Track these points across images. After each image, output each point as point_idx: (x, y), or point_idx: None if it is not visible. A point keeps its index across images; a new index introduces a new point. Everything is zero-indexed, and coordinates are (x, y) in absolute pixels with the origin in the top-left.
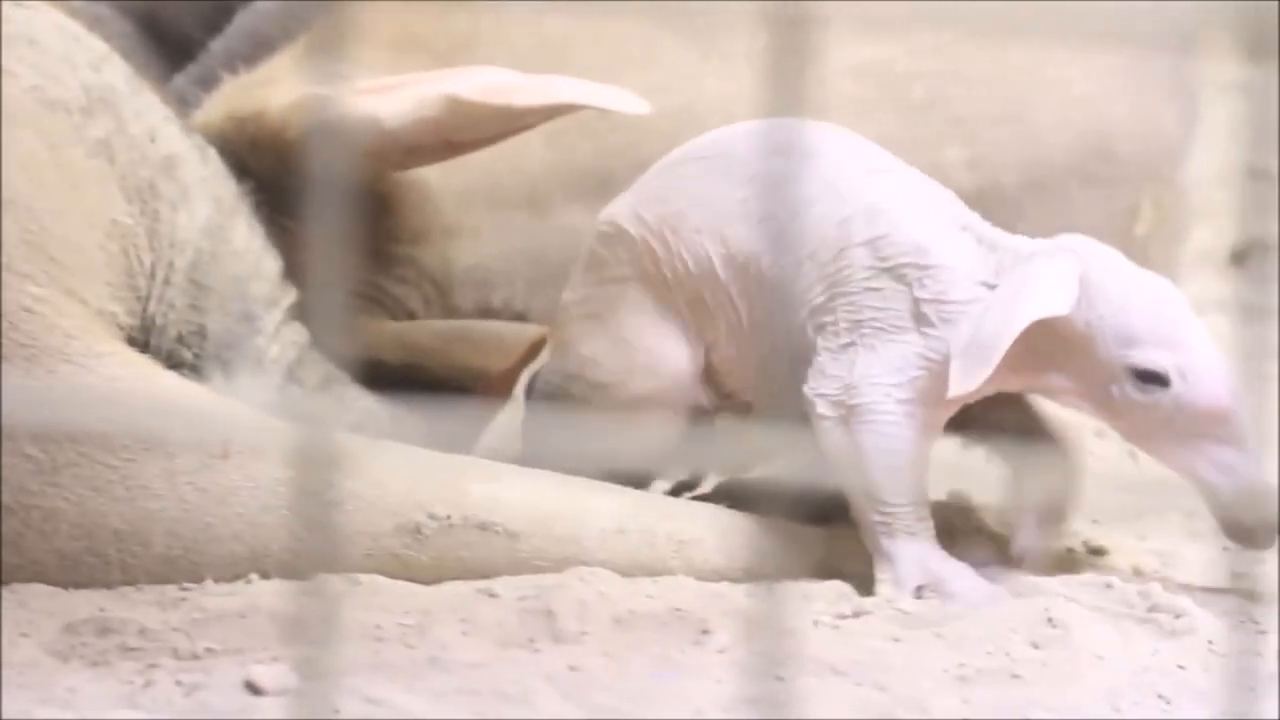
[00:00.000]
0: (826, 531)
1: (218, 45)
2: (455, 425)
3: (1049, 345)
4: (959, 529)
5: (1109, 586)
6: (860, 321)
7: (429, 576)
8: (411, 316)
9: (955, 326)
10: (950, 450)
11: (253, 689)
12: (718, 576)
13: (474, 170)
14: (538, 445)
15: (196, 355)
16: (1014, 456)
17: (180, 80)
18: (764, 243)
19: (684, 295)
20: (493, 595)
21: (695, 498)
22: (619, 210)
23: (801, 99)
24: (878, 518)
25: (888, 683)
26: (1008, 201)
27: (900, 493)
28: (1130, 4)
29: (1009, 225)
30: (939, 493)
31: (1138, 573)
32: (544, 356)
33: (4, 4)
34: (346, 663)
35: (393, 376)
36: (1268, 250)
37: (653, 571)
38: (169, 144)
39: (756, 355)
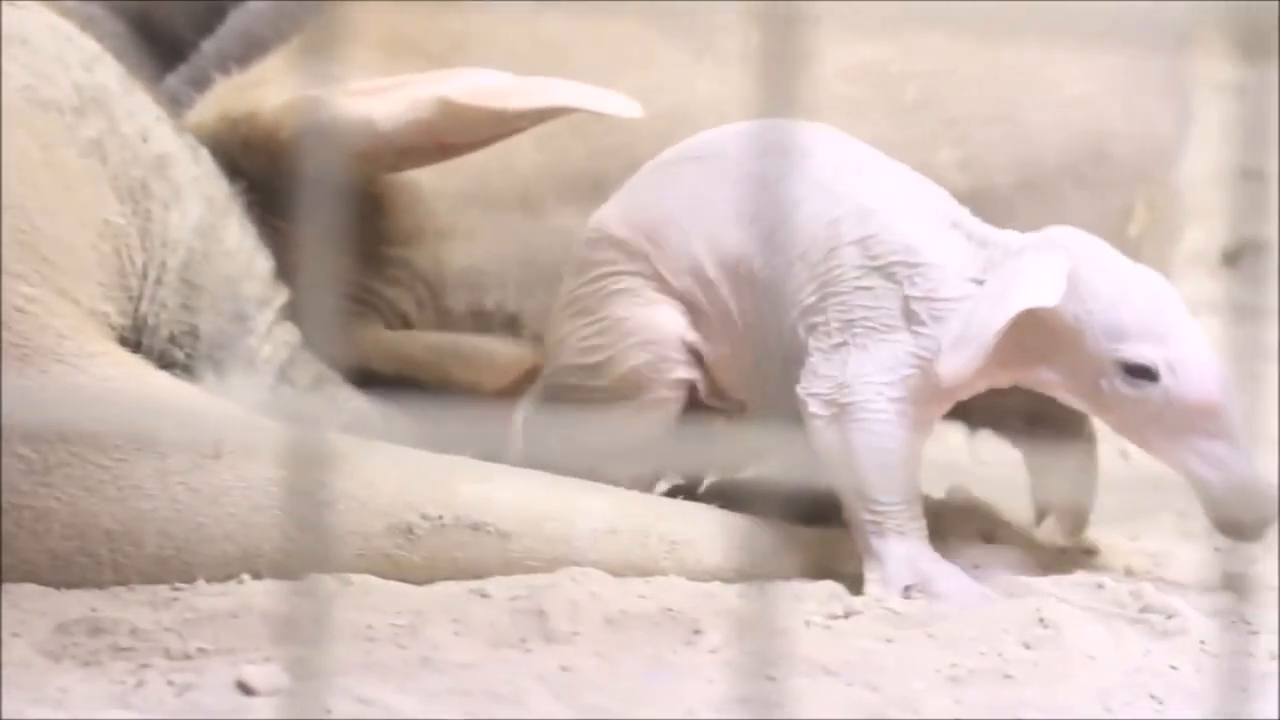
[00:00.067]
0: (819, 532)
1: (210, 45)
2: (447, 426)
3: (1038, 339)
4: (956, 527)
5: (1101, 587)
6: (852, 321)
7: (421, 577)
8: (404, 318)
9: (946, 324)
10: (956, 445)
11: (245, 689)
12: (710, 577)
13: (466, 172)
14: (537, 446)
15: (188, 355)
16: (1031, 450)
17: (172, 80)
18: (755, 243)
19: (675, 295)
20: (485, 595)
21: (688, 498)
22: (607, 215)
23: (794, 99)
24: (868, 517)
25: (879, 683)
26: (1001, 202)
27: (891, 492)
28: (1123, 4)
29: (1002, 226)
30: (940, 489)
31: (1130, 573)
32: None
33: None
34: (338, 663)
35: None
36: (1260, 251)
37: (645, 571)
38: (161, 144)
39: (749, 355)
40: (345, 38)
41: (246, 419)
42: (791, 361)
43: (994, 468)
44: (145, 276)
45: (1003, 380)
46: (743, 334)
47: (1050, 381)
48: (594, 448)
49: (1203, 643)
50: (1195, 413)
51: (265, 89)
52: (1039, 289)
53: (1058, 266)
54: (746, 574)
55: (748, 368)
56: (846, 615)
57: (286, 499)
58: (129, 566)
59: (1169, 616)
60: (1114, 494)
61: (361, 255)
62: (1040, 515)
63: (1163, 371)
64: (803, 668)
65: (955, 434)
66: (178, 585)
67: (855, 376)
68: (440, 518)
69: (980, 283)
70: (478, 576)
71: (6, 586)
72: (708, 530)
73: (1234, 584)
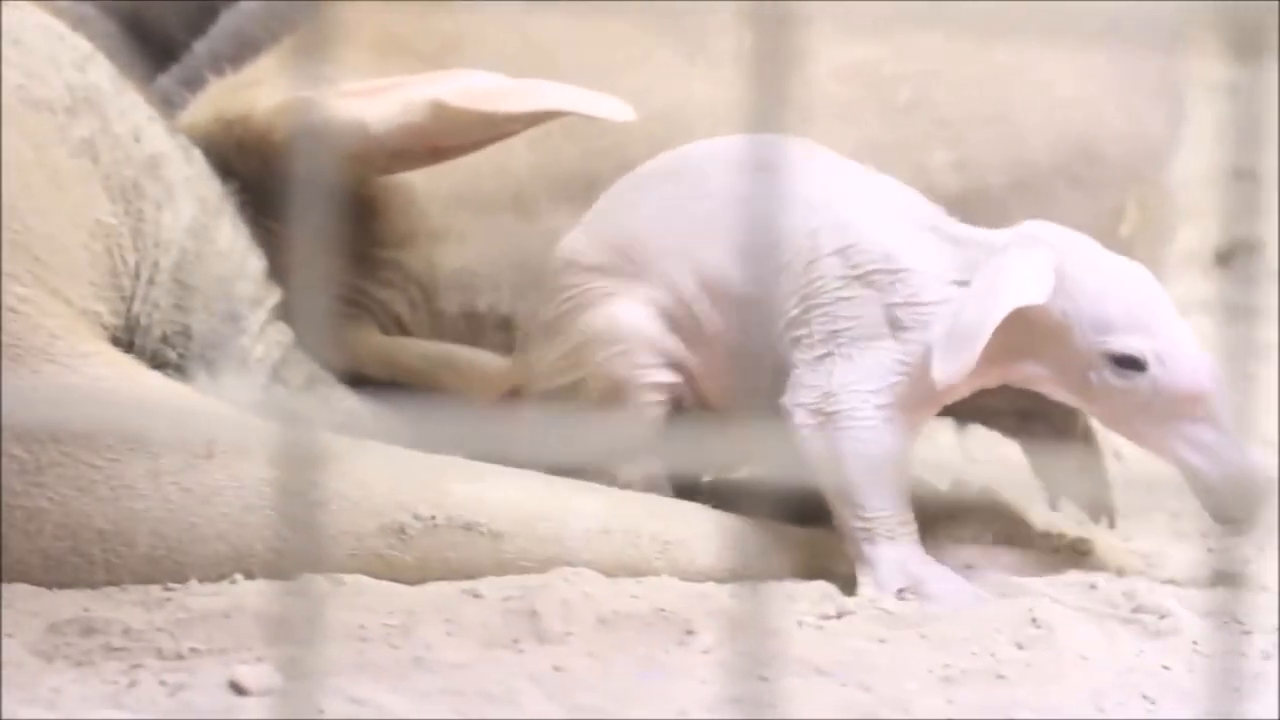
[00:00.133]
0: (811, 532)
1: (202, 46)
2: (439, 426)
3: (1026, 335)
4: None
5: (1093, 587)
6: (836, 331)
7: (413, 577)
8: (397, 320)
9: (930, 329)
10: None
11: (237, 689)
12: (702, 577)
13: (459, 174)
14: (522, 446)
15: (181, 355)
16: (1033, 447)
17: (165, 80)
18: (732, 259)
19: (651, 304)
20: (477, 595)
21: (683, 497)
22: (575, 242)
23: (787, 101)
24: (858, 523)
25: (872, 683)
26: (994, 203)
27: (880, 498)
28: (1116, 5)
29: (995, 227)
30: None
31: (1122, 573)
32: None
33: None
34: (331, 663)
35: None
36: (1253, 250)
37: (637, 572)
38: (153, 144)
39: (735, 370)
40: (337, 38)
41: (239, 419)
42: (778, 374)
43: (986, 465)
44: (138, 276)
45: (992, 380)
46: (727, 349)
47: (1038, 377)
48: (584, 453)
49: (1195, 643)
50: (1184, 401)
51: (258, 90)
52: (1029, 287)
53: (1044, 263)
54: (739, 574)
55: (734, 382)
56: (839, 615)
57: (279, 499)
58: (121, 566)
59: (1161, 616)
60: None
61: (354, 257)
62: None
63: (1150, 362)
64: (795, 668)
65: (945, 432)
66: (170, 585)
67: (841, 385)
68: (433, 518)
69: (962, 284)
70: (470, 577)
71: None
72: (700, 530)
73: (1227, 583)
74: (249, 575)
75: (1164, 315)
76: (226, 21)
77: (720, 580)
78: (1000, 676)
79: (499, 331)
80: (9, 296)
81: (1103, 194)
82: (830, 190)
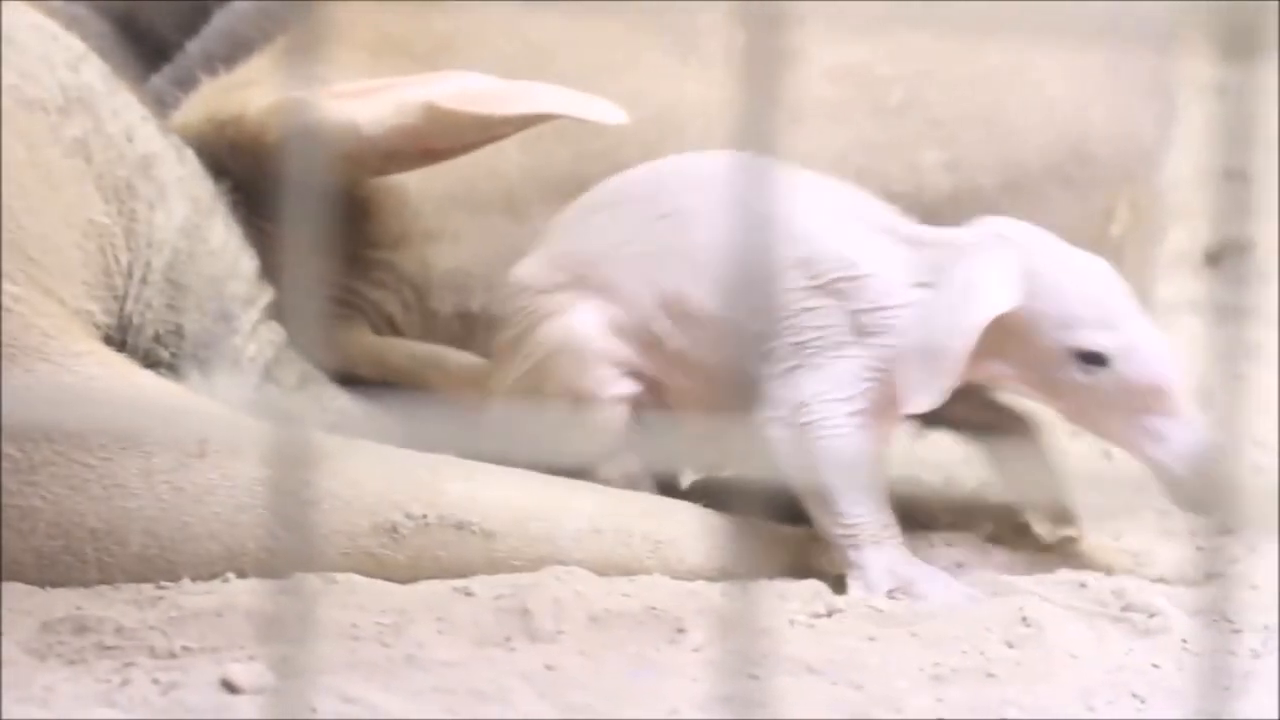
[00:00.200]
0: (802, 530)
1: (194, 46)
2: (431, 425)
3: (991, 335)
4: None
5: (1083, 585)
6: (802, 343)
7: (405, 575)
8: (390, 321)
9: (895, 333)
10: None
11: (229, 687)
12: (693, 575)
13: (452, 175)
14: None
15: (174, 354)
16: (991, 450)
17: (157, 80)
18: (690, 278)
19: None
20: (469, 594)
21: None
22: (527, 269)
23: (778, 101)
24: (841, 531)
25: (863, 681)
26: (985, 203)
27: (860, 504)
28: (1106, 5)
29: None
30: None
31: (1112, 571)
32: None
33: None
34: (323, 661)
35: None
36: (1243, 251)
37: (628, 570)
38: (146, 143)
39: (705, 386)
40: (330, 38)
41: (231, 418)
42: (748, 389)
43: (978, 464)
44: (130, 276)
45: (959, 381)
46: (696, 366)
47: (1003, 374)
48: (557, 454)
49: (1185, 641)
50: (1147, 395)
51: (251, 90)
52: (997, 296)
53: (1010, 266)
54: (730, 573)
55: (707, 397)
56: (830, 614)
57: (271, 498)
58: (114, 565)
59: (1151, 615)
60: (1096, 493)
61: (347, 258)
62: (1026, 511)
63: (1114, 357)
64: (786, 666)
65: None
66: (163, 584)
67: (812, 396)
68: (425, 517)
69: (923, 286)
70: (462, 575)
71: None
72: (691, 529)
73: (1216, 582)
74: (241, 574)
75: (1126, 310)
76: (219, 21)
77: (711, 579)
78: (990, 675)
79: (492, 332)
80: (2, 296)
81: (1094, 194)
82: (785, 202)
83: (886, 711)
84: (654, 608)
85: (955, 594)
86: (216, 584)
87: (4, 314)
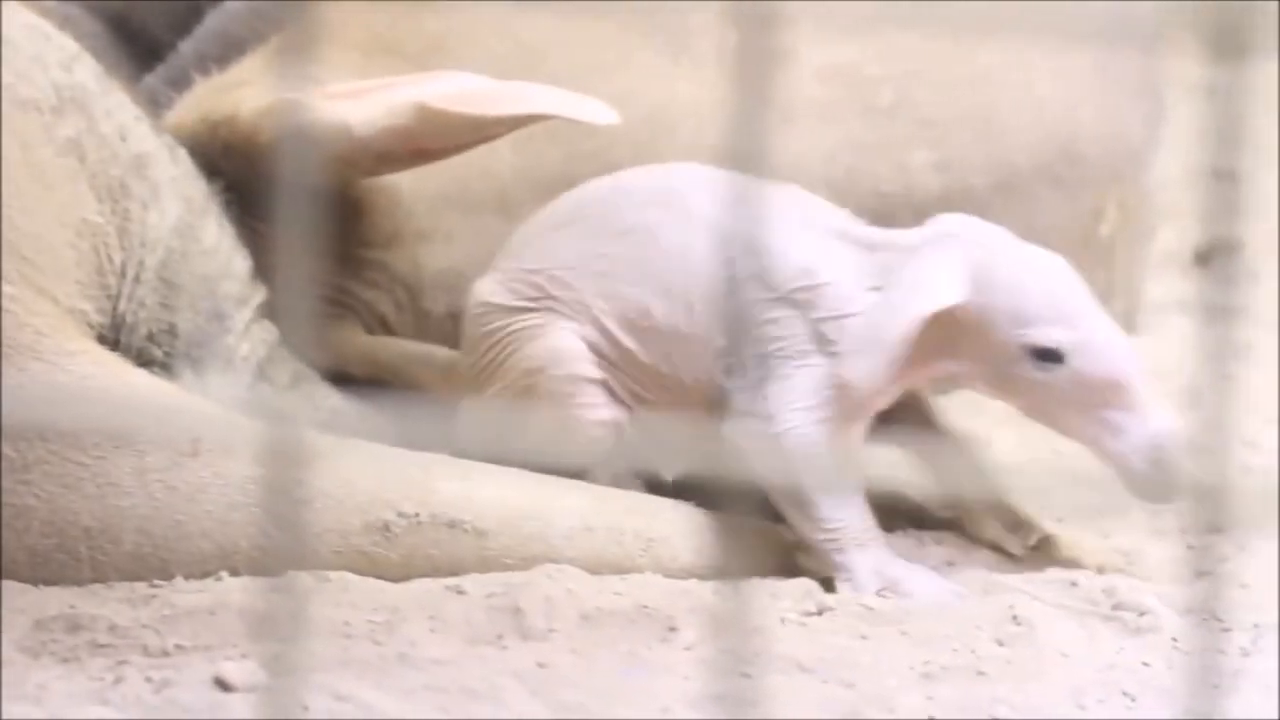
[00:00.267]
0: (797, 534)
1: (187, 46)
2: (423, 424)
3: (945, 333)
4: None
5: (1074, 584)
6: (766, 354)
7: (397, 574)
8: (383, 320)
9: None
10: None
11: (222, 685)
12: (685, 574)
13: (445, 175)
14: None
15: (167, 353)
16: (917, 451)
17: (150, 80)
18: (650, 294)
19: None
20: (461, 592)
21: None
22: (488, 287)
23: (769, 101)
24: (823, 537)
25: (854, 680)
26: (976, 204)
27: (839, 508)
28: (1095, 5)
29: None
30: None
31: (1102, 570)
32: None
33: None
34: (315, 659)
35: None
36: (1232, 251)
37: (620, 569)
38: (139, 143)
39: (675, 401)
40: (323, 39)
41: (224, 417)
42: (718, 401)
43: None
44: (124, 275)
45: (917, 380)
46: (662, 383)
47: (959, 372)
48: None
49: (1175, 640)
50: (1105, 389)
51: (244, 91)
52: (942, 290)
53: (958, 262)
54: (722, 571)
55: (677, 412)
56: (821, 612)
57: (264, 496)
58: (107, 564)
59: (1141, 614)
60: (1085, 492)
61: (340, 258)
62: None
63: (1070, 352)
64: (778, 665)
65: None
66: (156, 582)
67: (779, 407)
68: (417, 515)
69: (879, 290)
70: (454, 574)
71: None
72: (683, 528)
73: (1206, 580)
74: (234, 572)
75: (1082, 305)
76: (212, 21)
77: (703, 577)
78: (981, 673)
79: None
80: None
81: (1083, 194)
82: (738, 214)
83: (878, 710)
84: (646, 606)
85: (942, 592)
86: (209, 582)
87: None
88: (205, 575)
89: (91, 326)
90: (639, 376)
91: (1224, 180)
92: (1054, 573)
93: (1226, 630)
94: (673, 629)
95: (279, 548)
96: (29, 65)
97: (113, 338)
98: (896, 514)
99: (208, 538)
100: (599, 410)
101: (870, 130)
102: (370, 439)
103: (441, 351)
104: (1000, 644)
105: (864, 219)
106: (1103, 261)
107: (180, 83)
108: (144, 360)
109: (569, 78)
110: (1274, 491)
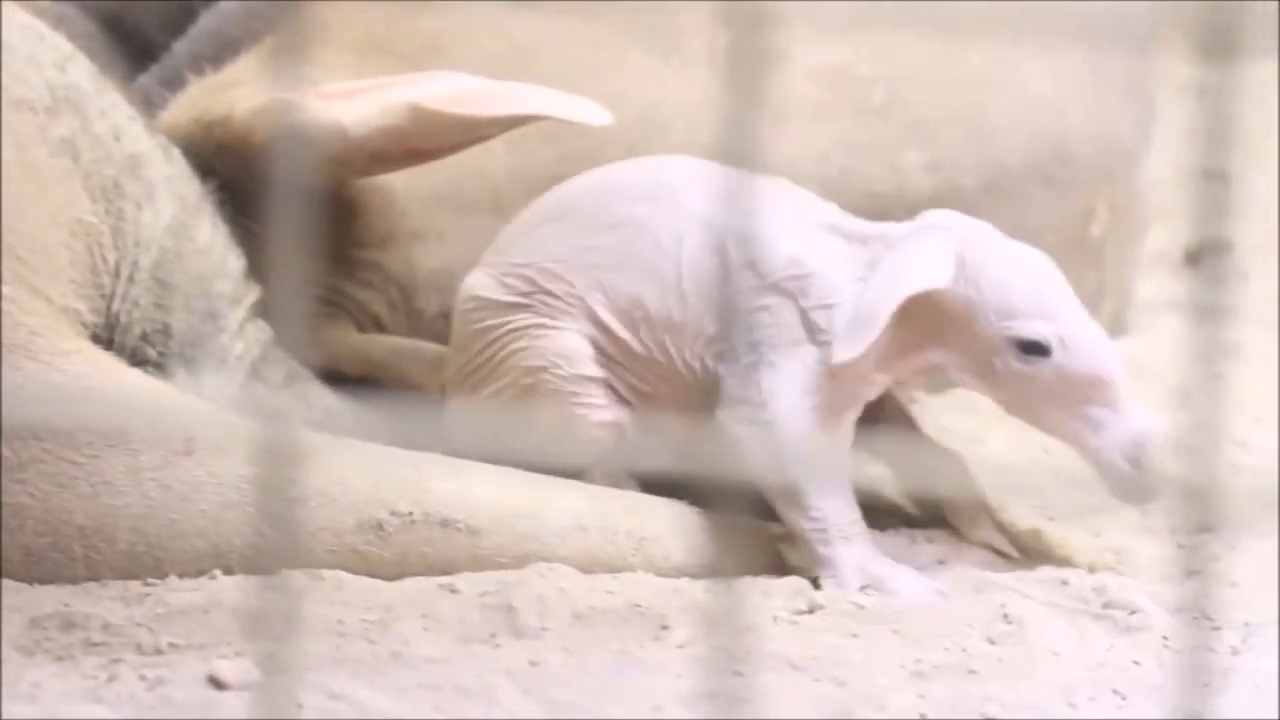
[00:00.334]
0: (784, 528)
1: (181, 46)
2: (417, 423)
3: (932, 322)
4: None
5: (1065, 583)
6: (757, 341)
7: (391, 572)
8: (376, 320)
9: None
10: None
11: (216, 683)
12: (677, 573)
13: (438, 175)
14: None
15: (161, 353)
16: (887, 449)
17: (145, 80)
18: (643, 285)
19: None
20: (454, 591)
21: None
22: (479, 281)
23: (761, 102)
24: (809, 524)
25: (845, 678)
26: (967, 204)
27: (826, 496)
28: (1086, 6)
29: None
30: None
31: (1093, 569)
32: None
33: None
34: (309, 658)
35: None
36: (1222, 251)
37: (613, 568)
38: (133, 143)
39: (669, 390)
40: (317, 39)
41: (218, 416)
42: (708, 391)
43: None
44: (118, 275)
45: (902, 371)
46: (657, 373)
47: (944, 363)
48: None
49: (1165, 638)
50: (1086, 383)
51: (239, 91)
52: (929, 271)
53: (944, 248)
54: (714, 570)
55: (671, 402)
56: (812, 611)
57: (258, 495)
58: (101, 562)
59: (1131, 612)
60: (1076, 491)
61: (333, 258)
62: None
63: (1054, 346)
64: (769, 663)
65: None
66: (149, 581)
67: (770, 393)
68: (410, 514)
69: (866, 280)
70: (447, 572)
71: None
72: (675, 527)
73: (1196, 579)
74: (228, 571)
75: (1066, 301)
76: (206, 22)
77: (695, 576)
78: (972, 671)
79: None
80: None
81: (1074, 194)
82: (729, 205)
83: (869, 708)
84: (638, 605)
85: (926, 592)
86: (203, 581)
87: None
88: (199, 574)
89: (85, 326)
90: (634, 368)
91: (1214, 180)
92: (1045, 571)
93: (1216, 629)
94: (665, 627)
95: (273, 546)
96: (24, 65)
97: (107, 337)
98: (886, 512)
99: (202, 536)
100: (602, 411)
101: (862, 130)
102: (364, 438)
103: (431, 347)
104: (991, 642)
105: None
106: (1093, 261)
107: (174, 83)
108: (138, 359)
109: (562, 78)
110: (1263, 491)
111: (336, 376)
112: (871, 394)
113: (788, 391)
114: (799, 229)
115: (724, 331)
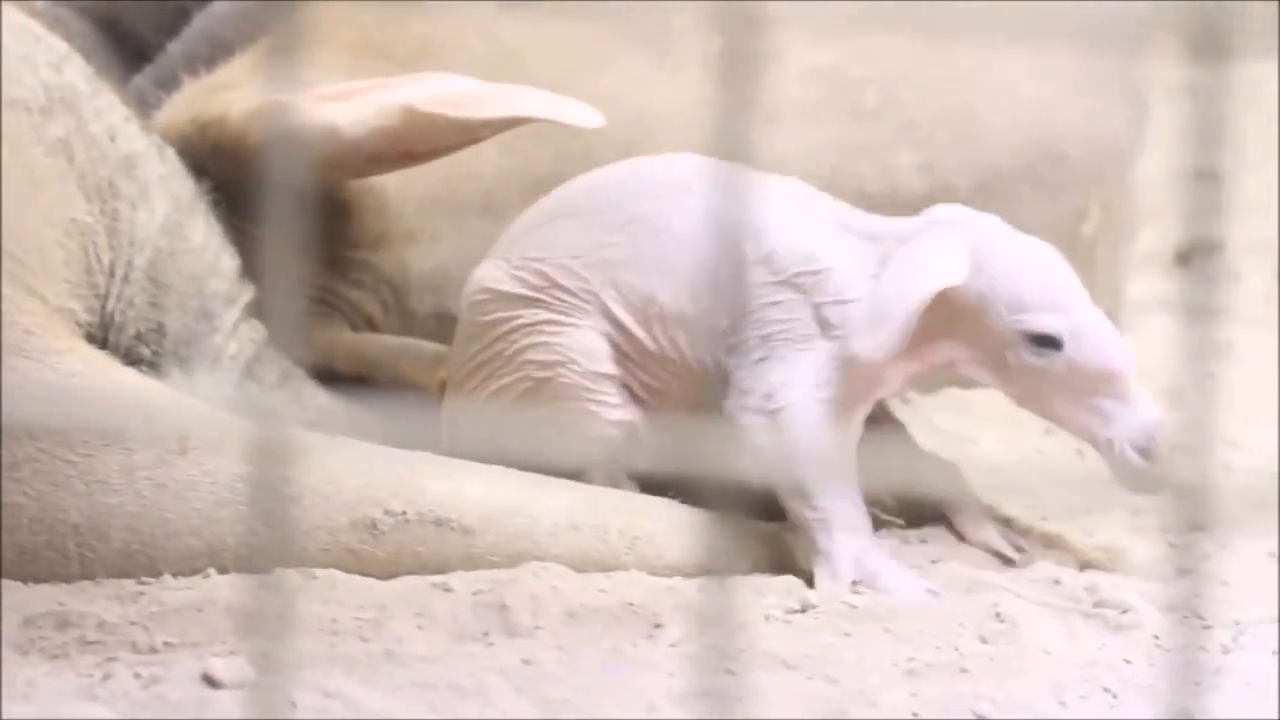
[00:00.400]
0: (778, 526)
1: (175, 47)
2: (411, 422)
3: (943, 316)
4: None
5: (1056, 582)
6: (769, 336)
7: (384, 571)
8: (369, 321)
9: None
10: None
11: (210, 682)
12: (670, 571)
13: (431, 176)
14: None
15: (155, 352)
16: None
17: (139, 81)
18: (655, 280)
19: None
20: (447, 590)
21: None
22: (490, 274)
23: (754, 104)
24: (812, 515)
25: (838, 676)
26: (959, 204)
27: (831, 488)
28: (1078, 7)
29: None
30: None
31: (1084, 568)
32: None
33: None
34: (303, 656)
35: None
36: (1213, 251)
37: (605, 566)
38: (128, 143)
39: (681, 386)
40: (311, 40)
41: (212, 415)
42: (719, 385)
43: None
44: (112, 274)
45: (914, 366)
46: (670, 368)
47: (956, 357)
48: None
49: (1156, 637)
50: (1097, 376)
51: (233, 92)
52: (948, 268)
53: (958, 244)
54: (706, 568)
55: (683, 397)
56: (805, 610)
57: (251, 494)
58: (96, 561)
59: (1123, 611)
60: (1069, 490)
61: (327, 259)
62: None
63: (1066, 338)
64: (762, 662)
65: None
66: (144, 579)
67: (781, 384)
68: (404, 513)
69: (879, 277)
70: (441, 571)
71: None
72: (668, 525)
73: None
74: (222, 569)
75: (1076, 294)
76: (200, 23)
77: (688, 575)
78: (964, 670)
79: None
80: None
81: (1066, 195)
82: (742, 202)
83: (861, 707)
84: (631, 603)
85: (918, 591)
86: (197, 579)
87: None
88: (193, 572)
89: (80, 325)
90: (648, 365)
91: (1206, 180)
92: (1037, 570)
93: (1208, 628)
94: (658, 626)
95: (266, 545)
96: (18, 66)
97: (101, 337)
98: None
99: (196, 535)
100: (616, 409)
101: (855, 132)
102: (358, 437)
103: (425, 345)
104: (983, 641)
105: None
106: (1085, 261)
107: (169, 84)
108: (132, 359)
109: (555, 80)
110: (1255, 490)
111: (330, 376)
112: (882, 390)
113: (798, 383)
114: (811, 226)
115: (736, 327)
